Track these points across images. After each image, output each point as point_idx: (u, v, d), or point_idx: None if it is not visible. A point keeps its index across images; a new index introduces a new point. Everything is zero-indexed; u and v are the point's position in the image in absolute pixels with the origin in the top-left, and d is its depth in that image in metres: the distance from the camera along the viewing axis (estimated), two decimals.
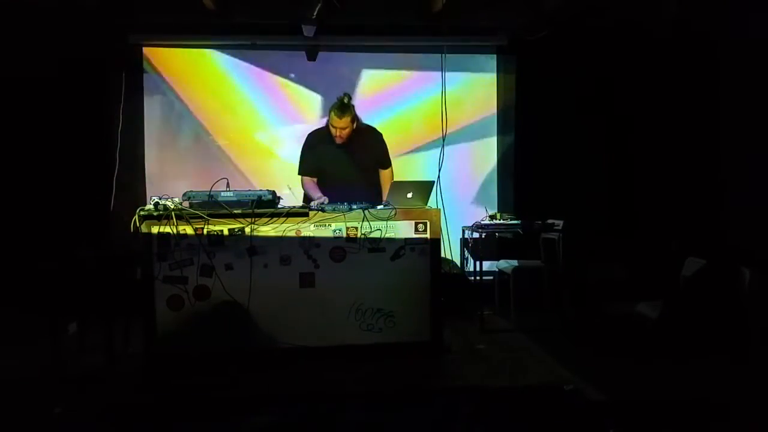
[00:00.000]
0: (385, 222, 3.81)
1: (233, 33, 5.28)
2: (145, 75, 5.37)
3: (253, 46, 5.39)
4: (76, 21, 4.83)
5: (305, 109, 5.49)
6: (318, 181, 4.34)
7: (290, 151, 5.46)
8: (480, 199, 5.59)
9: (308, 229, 3.77)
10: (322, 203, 3.93)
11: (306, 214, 3.76)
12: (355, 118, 4.21)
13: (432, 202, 4.14)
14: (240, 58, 5.44)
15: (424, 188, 3.98)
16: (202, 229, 3.67)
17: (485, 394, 3.33)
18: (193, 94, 5.42)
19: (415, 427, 2.98)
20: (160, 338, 3.66)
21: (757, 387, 3.35)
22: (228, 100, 5.44)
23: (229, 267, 3.69)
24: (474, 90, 5.63)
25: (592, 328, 4.53)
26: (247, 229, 3.70)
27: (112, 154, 5.16)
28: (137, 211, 3.64)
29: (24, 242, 4.67)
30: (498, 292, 5.00)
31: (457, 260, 5.32)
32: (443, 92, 5.25)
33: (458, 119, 5.50)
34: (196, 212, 3.64)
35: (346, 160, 4.29)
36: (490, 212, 4.71)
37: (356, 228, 3.79)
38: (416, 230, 3.86)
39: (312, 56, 5.47)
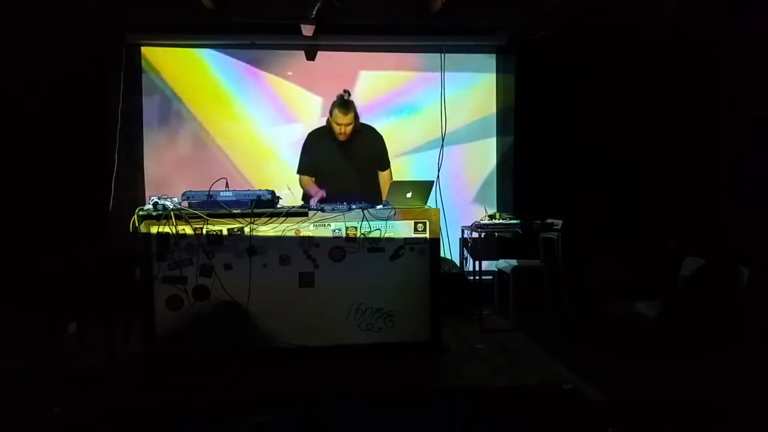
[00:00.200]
0: (384, 222, 3.81)
1: (232, 32, 5.28)
2: (143, 75, 5.36)
3: (252, 46, 5.38)
4: (75, 21, 4.82)
5: (304, 109, 5.49)
6: (318, 180, 4.34)
7: (289, 151, 5.47)
8: (479, 198, 5.59)
9: (307, 228, 3.77)
10: (321, 198, 3.94)
11: (305, 214, 3.76)
12: (356, 115, 4.22)
13: (431, 202, 4.14)
14: (239, 58, 5.43)
15: (423, 188, 3.98)
16: (202, 229, 3.67)
17: (484, 394, 3.33)
18: (191, 93, 5.41)
19: (414, 426, 2.98)
20: (159, 338, 3.66)
21: (756, 386, 3.35)
22: (227, 100, 5.44)
23: (228, 267, 3.69)
24: (473, 90, 5.63)
25: (591, 328, 4.53)
26: (247, 229, 3.70)
27: (110, 154, 5.16)
28: (136, 211, 3.64)
29: (23, 242, 4.67)
30: (497, 291, 5.00)
31: (457, 260, 5.32)
32: (442, 92, 5.25)
33: (457, 119, 5.50)
34: (195, 212, 3.64)
35: (346, 160, 4.29)
36: (490, 212, 4.70)
37: (355, 228, 3.79)
38: (415, 230, 3.86)
39: (311, 56, 5.46)
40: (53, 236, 4.60)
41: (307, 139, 4.44)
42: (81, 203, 4.94)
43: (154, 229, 3.64)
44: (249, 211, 3.69)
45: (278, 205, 3.81)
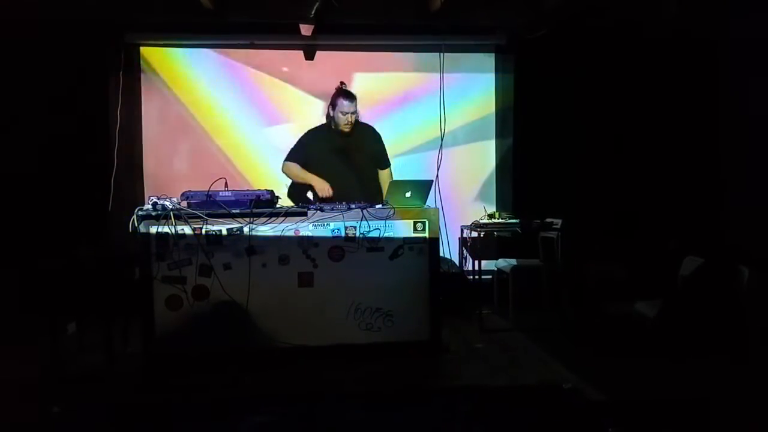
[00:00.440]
0: (383, 221, 3.81)
1: (231, 32, 5.27)
2: (142, 75, 5.35)
3: (251, 46, 5.38)
4: (74, 20, 4.81)
5: (303, 109, 5.47)
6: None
7: (288, 151, 5.47)
8: (478, 198, 5.59)
9: (307, 228, 3.76)
10: (327, 197, 3.94)
11: (304, 214, 3.76)
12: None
13: (430, 202, 4.15)
14: (238, 58, 5.43)
15: (422, 187, 3.99)
16: (201, 228, 3.67)
17: (484, 394, 3.33)
18: (190, 93, 5.40)
19: (414, 426, 2.98)
20: (158, 338, 3.66)
21: (755, 386, 3.35)
22: (226, 100, 5.43)
23: (227, 267, 3.69)
24: (472, 89, 5.62)
25: (590, 328, 4.53)
26: (246, 229, 3.69)
27: (109, 154, 5.15)
28: (135, 211, 3.64)
29: (22, 242, 4.66)
30: (497, 291, 5.00)
31: (456, 259, 5.32)
32: (441, 91, 5.25)
33: (457, 119, 5.50)
34: (195, 212, 3.64)
35: (345, 159, 4.30)
36: (489, 211, 4.71)
37: (355, 227, 3.79)
38: (415, 229, 3.85)
39: (310, 55, 5.46)
40: (53, 236, 4.60)
41: (305, 134, 4.46)
42: (80, 203, 4.93)
43: (153, 229, 3.64)
44: (248, 211, 3.69)
45: (277, 205, 3.81)
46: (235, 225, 3.69)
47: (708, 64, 4.92)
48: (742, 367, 3.61)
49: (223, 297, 3.67)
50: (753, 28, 4.41)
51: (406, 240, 3.84)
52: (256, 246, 3.70)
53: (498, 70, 5.65)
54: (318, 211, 3.78)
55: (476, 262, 4.59)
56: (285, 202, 3.94)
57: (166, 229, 3.63)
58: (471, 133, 5.63)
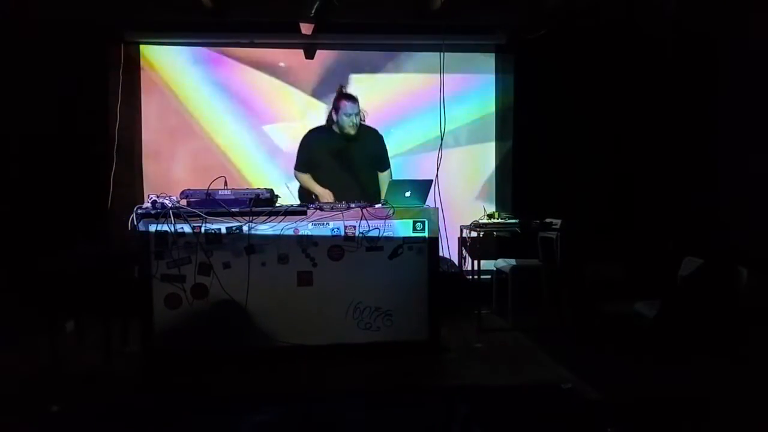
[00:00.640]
0: (383, 221, 3.81)
1: (231, 31, 5.26)
2: (142, 73, 5.35)
3: (251, 45, 5.37)
4: (74, 19, 4.81)
5: (303, 108, 5.47)
6: (318, 179, 4.34)
7: (288, 150, 5.46)
8: (478, 198, 5.59)
9: (306, 227, 3.76)
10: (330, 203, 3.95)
11: (304, 213, 3.76)
12: None
13: (430, 201, 4.14)
14: (238, 57, 5.42)
15: (422, 187, 3.99)
16: (200, 227, 3.66)
17: (483, 393, 3.33)
18: (190, 92, 5.40)
19: (412, 425, 2.98)
20: (157, 337, 3.66)
21: (754, 386, 3.35)
22: (226, 98, 5.43)
23: (227, 265, 3.69)
24: (472, 89, 5.62)
25: (589, 328, 4.53)
26: (245, 228, 3.69)
27: (109, 152, 5.15)
28: (135, 209, 3.63)
29: (21, 240, 4.66)
30: (496, 291, 5.00)
31: (455, 259, 5.31)
32: (441, 91, 5.24)
33: (456, 118, 5.49)
34: (194, 210, 3.63)
35: (346, 159, 4.30)
36: (488, 211, 4.71)
37: (354, 227, 3.79)
38: (414, 229, 3.85)
39: (310, 54, 5.46)
40: (52, 234, 4.59)
41: (306, 137, 4.45)
42: (80, 201, 4.93)
43: (152, 228, 3.63)
44: (247, 209, 3.68)
45: (277, 204, 3.81)
46: (234, 224, 3.69)
47: (708, 64, 4.92)
48: (740, 366, 3.61)
49: (223, 296, 3.67)
50: (753, 27, 4.40)
51: (406, 239, 3.84)
52: (255, 245, 3.70)
53: (498, 70, 5.65)
54: (317, 211, 3.78)
55: (475, 262, 4.59)
56: (284, 201, 3.93)
57: (165, 228, 3.63)
58: (471, 133, 5.63)
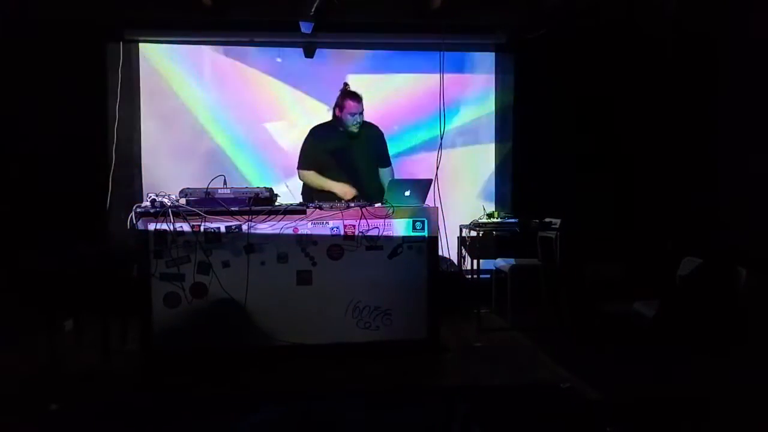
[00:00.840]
0: (382, 220, 3.80)
1: (230, 30, 5.25)
2: (141, 72, 5.34)
3: (251, 44, 5.37)
4: (73, 17, 4.80)
5: (302, 107, 5.47)
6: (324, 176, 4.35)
7: (287, 149, 5.46)
8: (477, 197, 5.59)
9: (306, 226, 3.76)
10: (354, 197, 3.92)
11: (303, 212, 3.76)
12: None
13: (429, 201, 4.14)
14: (237, 55, 5.41)
15: (421, 186, 3.99)
16: (199, 226, 3.65)
17: (482, 393, 3.33)
18: (189, 90, 5.39)
19: (412, 425, 2.98)
20: (156, 335, 3.65)
21: (753, 385, 3.35)
22: (224, 97, 5.42)
23: (226, 264, 3.69)
24: (472, 88, 5.62)
25: (589, 327, 4.53)
26: (244, 227, 3.69)
27: (108, 151, 5.14)
28: (134, 208, 3.63)
29: (20, 239, 4.65)
30: (495, 290, 4.99)
31: (455, 258, 5.31)
32: (441, 90, 5.24)
33: (456, 118, 5.49)
34: (193, 209, 3.63)
35: (350, 156, 4.31)
36: (488, 210, 4.71)
37: (354, 226, 3.78)
38: (414, 228, 3.85)
39: (309, 53, 5.45)
40: (51, 233, 4.58)
41: (310, 134, 4.45)
42: (79, 200, 4.92)
43: (151, 226, 3.62)
44: (247, 208, 3.68)
45: (276, 203, 3.80)
46: (233, 223, 3.69)
47: (708, 64, 4.92)
48: (740, 366, 3.62)
49: (222, 295, 3.66)
50: (753, 27, 4.40)
51: (405, 239, 3.84)
52: (254, 244, 3.70)
53: (498, 70, 5.65)
54: (317, 210, 3.78)
55: (475, 262, 4.59)
56: (284, 200, 3.93)
57: (164, 227, 3.62)
58: (470, 133, 5.63)
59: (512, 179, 5.61)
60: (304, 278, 3.76)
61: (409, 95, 5.54)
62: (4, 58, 4.70)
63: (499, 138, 5.67)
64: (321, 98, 5.44)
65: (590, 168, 5.39)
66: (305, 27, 4.97)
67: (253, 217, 3.68)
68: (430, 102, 5.39)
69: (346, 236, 3.78)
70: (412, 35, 5.41)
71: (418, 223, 3.85)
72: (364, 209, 3.79)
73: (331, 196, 4.16)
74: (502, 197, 5.64)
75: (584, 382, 3.39)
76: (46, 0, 4.60)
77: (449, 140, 5.34)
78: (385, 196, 3.92)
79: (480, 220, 4.57)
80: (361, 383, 3.45)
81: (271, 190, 3.81)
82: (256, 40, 5.35)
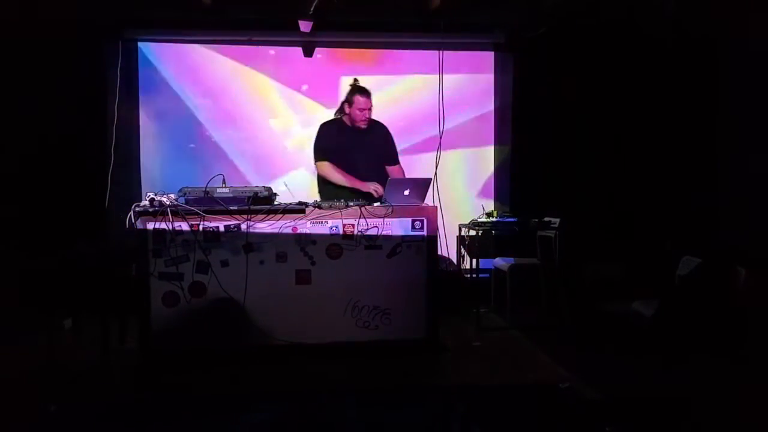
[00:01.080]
0: (381, 219, 3.80)
1: (229, 28, 5.25)
2: (140, 70, 5.33)
3: (250, 42, 5.36)
4: (73, 15, 4.79)
5: (301, 106, 5.47)
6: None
7: (287, 148, 5.47)
8: (477, 196, 5.58)
9: (304, 225, 3.75)
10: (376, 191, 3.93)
11: (302, 211, 3.75)
12: None
13: (429, 200, 4.14)
14: (236, 54, 5.41)
15: (420, 185, 3.98)
16: (198, 225, 3.65)
17: (481, 392, 3.33)
18: (188, 89, 5.39)
19: (410, 424, 2.98)
20: (155, 335, 3.65)
21: (752, 385, 3.35)
22: (223, 96, 5.42)
23: (224, 263, 3.68)
24: (471, 88, 5.62)
25: (588, 327, 4.53)
26: (243, 226, 3.68)
27: (107, 150, 5.13)
28: (132, 207, 3.62)
29: (19, 238, 4.64)
30: (494, 289, 4.99)
31: (454, 258, 5.31)
32: (440, 90, 5.24)
33: (455, 117, 5.49)
34: (192, 208, 3.62)
35: (359, 153, 4.31)
36: (487, 210, 4.71)
37: (353, 225, 3.78)
38: (413, 227, 3.85)
39: (308, 52, 5.45)
40: (49, 232, 4.58)
41: (320, 129, 4.46)
42: (77, 199, 4.92)
43: (150, 226, 3.62)
44: (246, 207, 3.67)
45: (275, 202, 3.80)
46: (232, 222, 3.68)
47: (707, 64, 4.92)
48: (739, 366, 3.62)
49: (221, 294, 3.66)
50: (753, 28, 4.40)
51: (404, 238, 3.84)
52: (253, 243, 3.69)
53: (497, 69, 5.65)
54: (316, 209, 3.77)
55: (474, 261, 4.59)
56: (283, 199, 3.92)
57: (163, 226, 3.62)
58: (469, 132, 5.63)
59: (511, 178, 5.61)
60: (303, 277, 3.76)
61: (409, 94, 5.53)
62: (2, 57, 4.69)
63: (498, 137, 5.67)
64: (320, 97, 5.45)
65: (589, 167, 5.39)
66: (304, 26, 4.96)
67: (252, 216, 3.68)
68: (429, 101, 5.39)
69: (345, 235, 3.78)
70: (411, 34, 5.41)
71: (417, 222, 3.85)
72: (362, 208, 3.79)
73: (350, 195, 4.11)
74: (501, 196, 5.64)
75: (583, 381, 3.39)
76: None
77: (448, 139, 5.33)
78: (385, 195, 3.92)
79: (479, 220, 4.57)
80: (360, 382, 3.45)
81: (270, 189, 3.80)
82: (255, 39, 5.35)
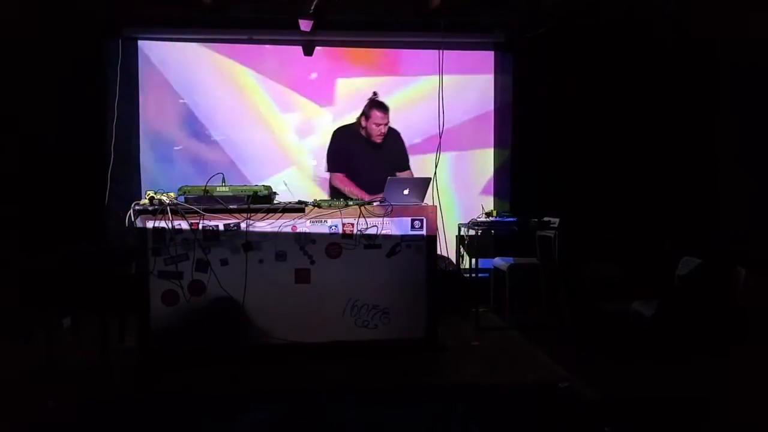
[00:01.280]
0: (381, 219, 3.80)
1: (229, 27, 5.25)
2: (140, 68, 5.33)
3: (250, 41, 5.36)
4: (72, 14, 4.79)
5: (301, 105, 5.47)
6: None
7: (286, 147, 5.47)
8: (476, 196, 5.58)
9: (304, 225, 3.75)
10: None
11: (302, 210, 3.75)
12: None
13: (428, 199, 4.14)
14: (236, 53, 5.41)
15: (420, 185, 3.98)
16: (198, 224, 3.65)
17: (480, 392, 3.33)
18: (188, 88, 5.39)
19: (409, 423, 2.98)
20: (154, 333, 3.64)
21: (752, 385, 3.35)
22: (223, 95, 5.42)
23: (224, 262, 3.68)
24: (471, 87, 5.62)
25: (587, 327, 4.53)
26: (243, 225, 3.68)
27: (106, 148, 5.13)
28: (132, 205, 3.62)
29: (18, 237, 4.64)
30: (493, 289, 4.99)
31: (453, 257, 5.31)
32: (440, 89, 5.23)
33: (455, 116, 5.49)
34: (192, 207, 3.62)
35: (374, 159, 4.33)
36: (487, 209, 4.70)
37: (352, 224, 3.78)
38: (412, 227, 3.85)
39: (308, 51, 5.45)
40: (49, 231, 4.57)
41: (335, 136, 4.47)
42: (77, 197, 4.91)
43: (150, 224, 3.62)
44: (245, 206, 3.67)
45: (275, 201, 3.79)
46: (232, 221, 3.68)
47: (707, 64, 4.92)
48: (738, 366, 3.62)
49: (220, 293, 3.66)
50: (753, 28, 4.40)
51: (404, 237, 3.84)
52: (253, 242, 3.69)
53: (497, 69, 5.65)
54: (315, 208, 3.77)
55: (473, 260, 4.59)
56: (282, 198, 3.92)
57: (162, 224, 3.61)
58: (469, 132, 5.63)
59: (511, 178, 5.61)
60: (302, 276, 3.75)
61: (408, 93, 5.53)
62: (2, 56, 4.69)
63: (498, 137, 5.67)
64: (320, 97, 5.46)
65: (589, 167, 5.39)
66: (304, 25, 4.96)
67: (252, 215, 3.68)
68: (429, 100, 5.38)
69: (344, 235, 3.78)
70: (411, 34, 5.41)
71: (416, 221, 3.85)
72: (362, 207, 3.79)
73: None
74: (500, 196, 5.65)
75: (583, 381, 3.39)
76: None
77: (448, 139, 5.33)
78: (384, 194, 3.92)
79: (478, 219, 4.57)
80: (360, 382, 3.45)
81: (269, 188, 3.80)
82: (255, 37, 5.35)
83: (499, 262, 4.90)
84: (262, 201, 3.71)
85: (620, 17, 4.99)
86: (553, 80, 5.36)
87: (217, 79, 5.41)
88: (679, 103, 5.12)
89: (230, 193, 3.70)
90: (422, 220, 3.85)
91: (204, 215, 3.63)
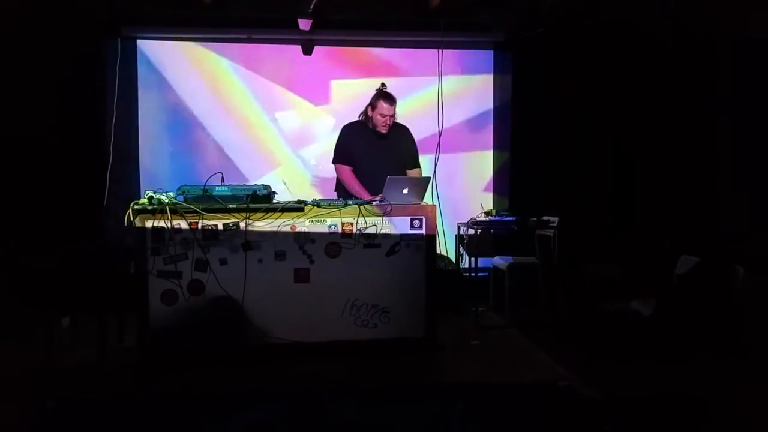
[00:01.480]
0: (380, 218, 3.80)
1: (228, 26, 5.24)
2: (139, 68, 5.33)
3: (249, 40, 5.36)
4: (71, 13, 4.78)
5: (301, 105, 5.47)
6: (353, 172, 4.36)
7: (286, 146, 5.47)
8: (476, 195, 5.58)
9: (303, 224, 3.75)
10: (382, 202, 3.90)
11: (301, 210, 3.75)
12: None
13: (428, 198, 4.14)
14: (235, 52, 5.40)
15: (420, 184, 3.98)
16: (197, 223, 3.64)
17: (479, 391, 3.33)
18: (187, 87, 5.38)
19: (409, 423, 2.98)
20: (153, 333, 3.64)
21: (751, 384, 3.36)
22: (223, 94, 5.41)
23: (223, 262, 3.68)
24: (470, 86, 5.62)
25: (586, 326, 4.53)
26: (242, 224, 3.68)
27: (105, 148, 5.13)
28: (131, 205, 3.61)
29: (17, 236, 4.63)
30: (493, 288, 4.99)
31: (453, 256, 5.31)
32: (440, 88, 5.24)
33: (454, 116, 5.49)
34: (191, 206, 3.62)
35: (381, 155, 4.32)
36: (486, 209, 4.70)
37: (352, 224, 3.78)
38: (412, 226, 3.85)
39: (308, 51, 5.44)
40: (48, 230, 4.56)
41: (343, 131, 4.48)
42: (76, 197, 4.91)
43: (149, 224, 3.61)
44: (245, 206, 3.67)
45: (274, 201, 3.79)
46: (231, 220, 3.68)
47: (707, 64, 4.92)
48: (737, 365, 3.62)
49: (219, 292, 3.65)
50: (753, 28, 4.40)
51: (403, 237, 3.83)
52: (252, 241, 3.69)
53: (496, 68, 5.65)
54: (315, 207, 3.77)
55: (473, 260, 4.59)
56: (281, 197, 3.92)
57: (161, 224, 3.61)
58: (468, 131, 5.63)
59: (510, 177, 5.61)
60: (301, 276, 3.75)
61: (408, 93, 5.52)
62: (1, 55, 4.68)
63: (497, 137, 5.67)
64: (319, 97, 5.45)
65: (588, 166, 5.40)
66: (303, 24, 4.96)
67: (251, 214, 3.67)
68: (428, 100, 5.39)
69: (344, 234, 3.78)
70: (410, 33, 5.41)
71: (416, 221, 3.85)
72: (362, 207, 3.78)
73: None
74: (499, 195, 5.64)
75: (582, 380, 3.39)
76: None
77: (447, 138, 5.33)
78: (384, 194, 3.92)
79: (478, 218, 4.56)
80: (359, 381, 3.45)
81: (269, 187, 3.80)
82: (255, 37, 5.34)
83: (498, 261, 4.91)
84: (261, 200, 3.71)
85: (620, 17, 4.99)
86: (553, 79, 5.36)
87: (216, 79, 5.40)
88: (678, 103, 5.12)
89: (229, 193, 3.70)
90: (422, 219, 3.85)
91: (203, 215, 3.63)
